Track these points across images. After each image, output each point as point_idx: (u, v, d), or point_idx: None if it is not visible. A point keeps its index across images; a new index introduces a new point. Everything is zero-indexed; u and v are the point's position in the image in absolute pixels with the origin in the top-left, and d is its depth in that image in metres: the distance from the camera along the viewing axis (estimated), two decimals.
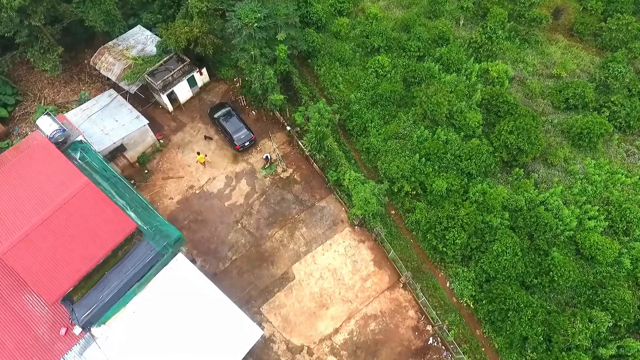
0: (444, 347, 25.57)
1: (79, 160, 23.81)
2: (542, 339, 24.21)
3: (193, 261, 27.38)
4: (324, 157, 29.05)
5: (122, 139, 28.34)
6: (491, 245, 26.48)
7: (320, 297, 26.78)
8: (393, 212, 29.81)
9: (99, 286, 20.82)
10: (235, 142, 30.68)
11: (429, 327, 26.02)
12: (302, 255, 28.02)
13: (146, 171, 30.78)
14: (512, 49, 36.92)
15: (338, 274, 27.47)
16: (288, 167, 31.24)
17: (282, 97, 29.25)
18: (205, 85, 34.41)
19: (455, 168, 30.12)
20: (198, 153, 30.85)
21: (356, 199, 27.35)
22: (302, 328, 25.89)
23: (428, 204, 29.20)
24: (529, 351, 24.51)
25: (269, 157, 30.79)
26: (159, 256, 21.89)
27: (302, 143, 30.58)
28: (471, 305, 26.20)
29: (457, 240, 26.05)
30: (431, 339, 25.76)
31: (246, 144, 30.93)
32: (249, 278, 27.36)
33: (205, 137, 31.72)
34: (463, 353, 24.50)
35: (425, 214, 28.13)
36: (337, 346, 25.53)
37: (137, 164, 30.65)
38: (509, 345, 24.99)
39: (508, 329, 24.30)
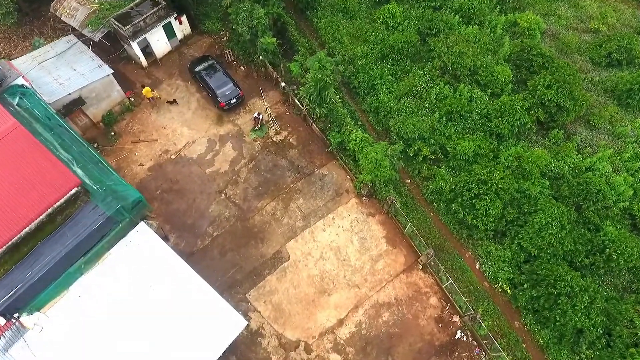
0: (475, 343, 20.52)
1: (16, 107, 18.81)
2: (601, 331, 19.21)
3: (165, 238, 22.39)
4: (324, 113, 24.07)
5: (80, 90, 23.36)
6: (531, 218, 21.50)
7: (320, 281, 21.76)
8: (408, 181, 24.82)
9: (28, 260, 15.78)
10: (219, 99, 25.71)
11: (456, 318, 20.97)
12: (298, 232, 23.01)
13: (113, 133, 25.76)
14: (542, 1, 32.11)
15: (342, 253, 22.45)
16: (282, 130, 26.26)
17: (274, 40, 24.31)
18: (186, 38, 29.47)
19: (482, 129, 25.20)
20: (143, 86, 26.22)
21: (365, 162, 22.36)
22: (298, 319, 20.86)
23: (450, 170, 24.25)
24: (583, 347, 19.46)
25: (260, 117, 25.83)
26: (110, 223, 16.86)
27: (298, 100, 25.61)
28: (508, 291, 21.16)
29: (490, 211, 21.04)
30: (459, 332, 20.71)
31: (232, 101, 25.97)
32: (233, 258, 22.33)
33: (168, 102, 26.79)
34: (501, 349, 19.47)
35: (450, 179, 23.12)
36: (342, 341, 20.48)
37: (101, 124, 25.65)
38: (557, 340, 19.96)
39: (558, 319, 19.25)
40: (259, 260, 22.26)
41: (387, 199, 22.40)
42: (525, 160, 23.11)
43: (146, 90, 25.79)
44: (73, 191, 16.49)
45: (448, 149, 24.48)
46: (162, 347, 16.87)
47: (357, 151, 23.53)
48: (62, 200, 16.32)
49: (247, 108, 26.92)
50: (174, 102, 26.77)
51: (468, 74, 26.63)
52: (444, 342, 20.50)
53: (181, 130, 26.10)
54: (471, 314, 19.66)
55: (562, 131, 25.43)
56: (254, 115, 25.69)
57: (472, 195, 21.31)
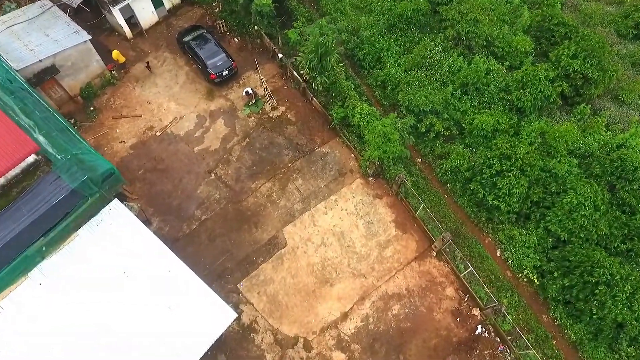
0: (498, 339, 18.04)
1: None
2: None
3: (147, 222, 19.93)
4: (326, 83, 21.62)
5: (53, 58, 20.89)
6: (560, 198, 19.04)
7: (322, 270, 19.28)
8: (419, 160, 22.36)
9: None
10: (209, 70, 23.25)
11: (476, 312, 18.49)
12: (296, 215, 20.54)
13: (92, 108, 23.28)
14: None
15: (346, 239, 19.97)
16: (279, 105, 23.81)
17: (269, 0, 21.82)
18: (175, 8, 27.03)
19: (500, 104, 22.75)
20: (110, 51, 23.85)
21: (371, 137, 19.92)
22: (296, 312, 18.38)
23: (466, 148, 21.77)
24: (624, 344, 16.99)
25: (254, 92, 23.38)
26: (76, 198, 14.38)
27: (297, 72, 23.17)
28: (535, 280, 18.69)
29: (514, 190, 18.56)
30: (479, 327, 18.22)
31: (224, 73, 23.51)
32: (223, 244, 19.84)
33: (148, 66, 24.43)
34: (530, 346, 16.98)
35: (468, 155, 20.64)
36: (347, 337, 17.99)
37: (79, 97, 23.17)
38: (593, 336, 17.49)
39: (594, 312, 16.76)
40: (253, 246, 19.78)
41: (397, 178, 19.92)
42: (550, 136, 20.65)
43: (115, 54, 23.40)
44: (31, 159, 14.05)
45: (463, 124, 22.03)
46: (137, 344, 14.39)
47: (363, 126, 21.09)
48: (17, 169, 13.86)
49: (240, 82, 24.45)
50: (147, 66, 24.33)
51: (484, 44, 24.22)
52: (463, 339, 18.01)
53: (168, 105, 23.63)
54: (495, 305, 17.16)
55: (589, 106, 23.01)
56: (246, 90, 23.22)
57: (494, 172, 18.83)
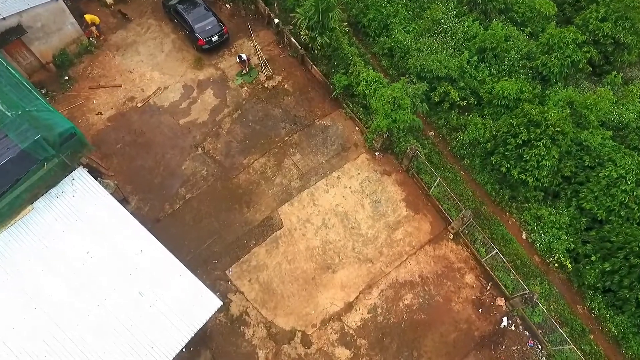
0: (527, 333, 15.61)
1: None
2: None
3: (124, 201, 17.57)
4: (327, 44, 19.25)
5: (19, 16, 18.50)
6: (596, 172, 16.67)
7: (322, 254, 16.87)
8: (432, 133, 19.97)
9: None
10: (197, 35, 20.87)
11: (500, 301, 16.07)
12: (294, 194, 18.14)
13: (66, 78, 20.87)
14: None
15: (351, 220, 17.57)
16: (275, 74, 21.43)
17: None
18: None
19: (522, 72, 20.38)
20: (82, 15, 21.35)
21: (379, 104, 17.55)
22: (293, 302, 15.96)
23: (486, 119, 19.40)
24: None
25: (246, 60, 21.02)
26: (28, 163, 11.94)
27: (294, 38, 20.82)
28: (568, 265, 16.27)
29: (544, 162, 16.15)
30: (505, 319, 15.80)
31: (214, 39, 21.12)
32: (210, 226, 17.43)
33: (120, 13, 22.01)
34: (561, 342, 14.56)
35: (490, 123, 18.25)
36: (352, 331, 15.56)
37: (51, 65, 20.77)
38: (639, 329, 15.07)
39: None
40: (244, 228, 17.37)
41: (408, 151, 17.52)
42: (581, 104, 18.29)
43: (89, 17, 21.07)
44: None
45: (481, 94, 19.67)
46: (100, 337, 11.95)
47: (369, 95, 18.75)
48: None
49: (232, 50, 22.07)
50: (120, 13, 21.95)
51: (501, 8, 21.93)
52: (487, 333, 15.59)
53: (151, 74, 21.23)
54: (524, 293, 14.71)
55: (621, 75, 20.65)
56: (239, 56, 20.87)
57: (520, 142, 16.41)
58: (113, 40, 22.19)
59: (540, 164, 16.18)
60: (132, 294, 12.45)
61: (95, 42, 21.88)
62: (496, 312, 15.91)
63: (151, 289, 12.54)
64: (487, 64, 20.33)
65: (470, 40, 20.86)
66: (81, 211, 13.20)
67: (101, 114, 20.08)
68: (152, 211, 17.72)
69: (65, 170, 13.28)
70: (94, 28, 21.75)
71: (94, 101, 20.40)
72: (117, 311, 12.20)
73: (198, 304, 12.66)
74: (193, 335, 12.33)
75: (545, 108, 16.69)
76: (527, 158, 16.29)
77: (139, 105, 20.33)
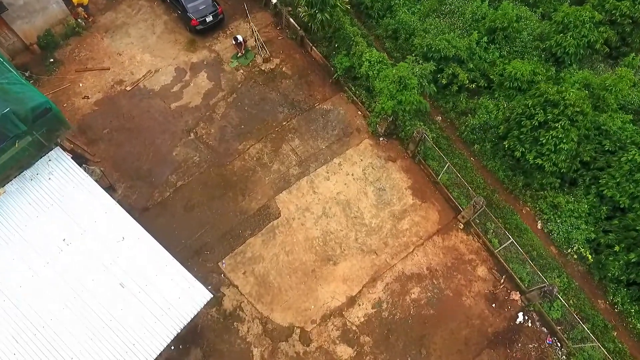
0: (545, 330, 14.41)
1: None
2: None
3: (111, 189, 16.41)
4: (327, 21, 18.09)
5: None
6: (617, 157, 15.49)
7: (323, 245, 15.69)
8: (439, 118, 18.78)
9: None
10: (190, 15, 19.71)
11: (515, 296, 14.87)
12: (292, 181, 16.96)
13: (52, 60, 19.73)
14: None
15: (353, 208, 16.39)
16: (273, 57, 20.27)
17: None
18: None
19: (535, 53, 19.21)
20: None
21: (384, 84, 16.37)
22: (291, 297, 14.77)
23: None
24: None
25: (243, 41, 19.86)
26: None
27: (294, 19, 19.67)
28: (588, 257, 15.07)
29: (562, 145, 14.94)
30: (521, 314, 14.59)
31: (208, 19, 19.95)
32: (202, 215, 16.26)
33: None
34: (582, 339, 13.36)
35: (504, 104, 17.06)
36: (354, 328, 14.37)
37: (36, 46, 19.61)
38: None
39: None
40: (239, 217, 16.19)
41: (414, 134, 16.33)
42: (599, 86, 17.11)
43: None
44: None
45: (491, 76, 18.49)
46: (77, 335, 10.77)
47: (372, 76, 17.56)
48: None
49: (228, 32, 20.90)
50: None
51: None
52: (501, 329, 14.39)
53: (142, 57, 20.06)
54: (543, 286, 13.49)
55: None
56: (235, 37, 19.71)
57: (536, 124, 15.21)
58: (102, 22, 21.03)
59: (558, 147, 14.98)
60: (113, 285, 11.28)
61: (83, 23, 20.70)
62: (511, 307, 14.71)
63: (134, 279, 11.36)
64: (498, 45, 19.13)
65: (479, 22, 19.71)
66: (57, 195, 12.05)
67: (88, 97, 18.91)
68: (140, 199, 16.54)
69: (40, 150, 12.13)
70: (81, 9, 20.62)
71: (81, 84, 19.23)
72: (95, 304, 11.03)
73: (186, 297, 11.48)
74: (180, 331, 11.15)
75: (563, 88, 15.51)
76: (544, 141, 15.10)
77: (128, 88, 19.16)
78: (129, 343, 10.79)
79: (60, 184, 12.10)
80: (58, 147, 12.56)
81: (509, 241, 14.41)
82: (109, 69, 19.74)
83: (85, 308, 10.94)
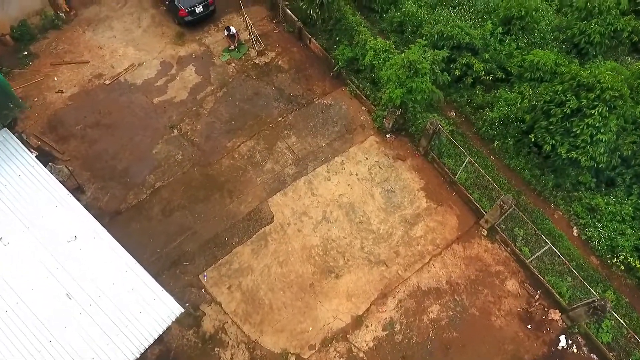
0: (595, 357, 11.84)
1: None
2: None
3: (79, 190, 14.28)
4: (328, 3, 16.45)
5: None
6: None
7: (323, 254, 13.34)
8: (452, 114, 16.82)
9: None
10: (177, 4, 18.14)
11: (555, 314, 12.39)
12: (288, 182, 14.80)
13: (26, 53, 18.02)
14: None
15: (358, 213, 14.15)
16: (268, 51, 18.58)
17: None
18: None
19: (554, 45, 17.54)
20: None
21: (391, 72, 14.53)
22: (285, 316, 12.29)
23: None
24: None
25: (236, 33, 18.22)
26: None
27: (288, 9, 18.11)
28: (638, 267, 12.72)
29: (599, 135, 12.90)
30: (563, 338, 12.07)
31: (197, 9, 18.35)
32: (183, 220, 13.99)
33: None
34: None
35: (529, 92, 15.10)
36: (362, 354, 11.81)
37: (8, 37, 17.91)
38: None
39: None
40: (225, 222, 13.91)
41: (427, 127, 14.29)
42: (632, 76, 15.24)
43: None
44: None
45: (509, 68, 16.70)
46: (8, 352, 8.33)
47: (377, 66, 15.77)
48: None
49: (219, 25, 19.29)
50: None
51: None
52: (540, 356, 11.83)
53: (124, 50, 18.33)
54: (592, 301, 11.06)
55: None
56: (227, 28, 18.06)
57: (568, 112, 13.22)
58: (85, 16, 19.43)
59: (595, 138, 12.91)
60: (58, 295, 8.92)
61: (64, 16, 19.10)
62: (550, 329, 12.21)
63: (84, 289, 9.01)
64: (514, 37, 17.48)
65: (492, 12, 18.17)
66: (14, 191, 9.86)
67: (62, 92, 17.02)
68: (112, 202, 14.32)
69: None
70: (62, 1, 19.10)
71: (55, 78, 17.39)
72: (33, 319, 8.63)
73: (150, 311, 9.07)
74: (138, 356, 8.67)
75: (597, 71, 13.63)
76: (578, 131, 13.04)
77: (107, 82, 17.31)
78: None
79: (4, 171, 9.95)
80: (5, 128, 10.49)
81: (545, 247, 12.09)
82: (88, 63, 17.96)
83: (19, 325, 8.54)
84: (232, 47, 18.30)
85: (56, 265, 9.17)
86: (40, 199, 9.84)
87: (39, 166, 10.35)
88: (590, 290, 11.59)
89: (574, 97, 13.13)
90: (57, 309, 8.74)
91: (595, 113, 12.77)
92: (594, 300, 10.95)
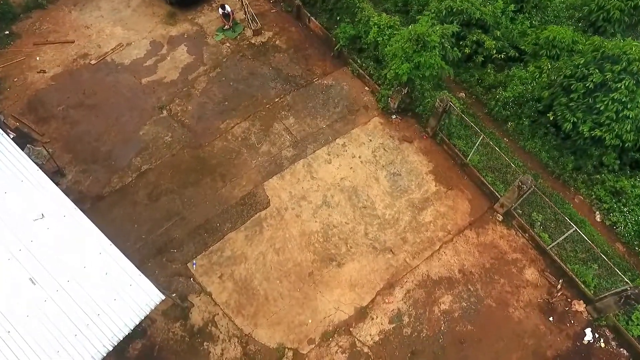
0: (625, 352, 10.70)
1: None
2: None
3: (58, 173, 13.19)
4: None
5: None
6: None
7: (324, 241, 12.21)
8: (462, 94, 15.74)
9: None
10: None
11: (579, 306, 11.25)
12: (285, 164, 13.69)
13: (7, 32, 16.97)
14: None
15: (362, 197, 13.03)
16: (265, 30, 17.52)
17: None
18: None
19: (570, 23, 16.53)
20: None
21: (398, 46, 13.45)
22: (281, 308, 11.15)
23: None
24: None
25: (231, 12, 17.18)
26: None
27: None
28: None
29: (625, 112, 11.79)
30: (589, 331, 10.93)
31: None
32: (171, 204, 12.87)
33: None
34: None
35: (548, 65, 14.01)
36: (367, 349, 10.66)
37: None
38: None
39: None
40: (216, 207, 12.78)
41: (437, 105, 13.20)
42: None
43: None
44: None
45: (522, 46, 15.65)
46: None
47: (382, 43, 14.70)
48: None
49: (213, 5, 18.29)
50: None
51: None
52: (564, 352, 10.65)
53: (112, 30, 17.27)
54: (623, 290, 9.91)
55: None
56: (222, 5, 17.02)
57: (591, 86, 12.15)
58: None
59: (622, 114, 11.82)
60: (19, 281, 7.77)
61: None
62: (574, 322, 11.06)
63: (50, 273, 7.87)
64: (527, 15, 16.48)
65: None
66: None
67: (44, 71, 15.94)
68: (94, 186, 13.19)
69: None
70: None
71: (37, 58, 16.31)
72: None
73: (126, 298, 7.93)
74: (112, 347, 7.52)
75: (621, 43, 12.56)
76: (602, 108, 11.95)
77: (93, 62, 16.23)
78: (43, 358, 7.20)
79: None
80: None
81: (569, 231, 10.95)
82: (74, 42, 16.88)
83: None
84: (226, 26, 17.24)
85: (19, 246, 8.03)
86: (4, 173, 8.72)
87: (4, 137, 9.25)
88: (622, 277, 10.42)
89: (597, 70, 12.04)
90: (18, 296, 7.60)
91: (622, 87, 11.67)
92: (627, 289, 9.81)
